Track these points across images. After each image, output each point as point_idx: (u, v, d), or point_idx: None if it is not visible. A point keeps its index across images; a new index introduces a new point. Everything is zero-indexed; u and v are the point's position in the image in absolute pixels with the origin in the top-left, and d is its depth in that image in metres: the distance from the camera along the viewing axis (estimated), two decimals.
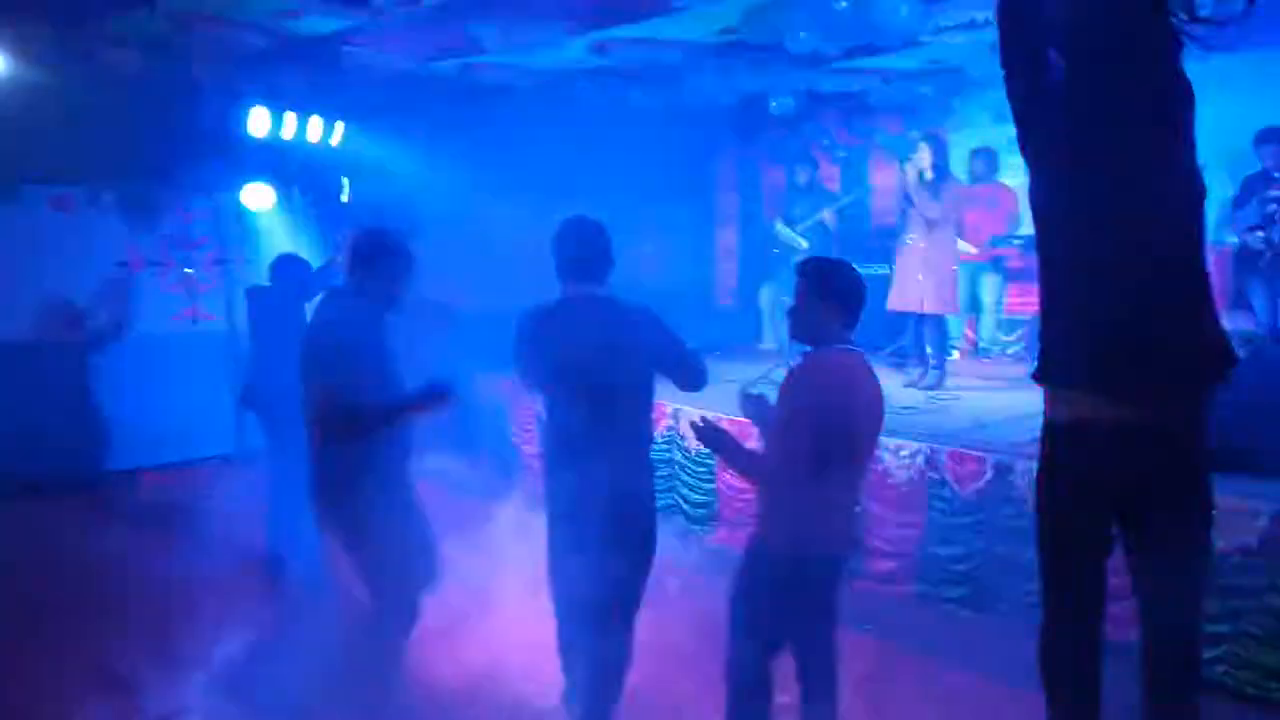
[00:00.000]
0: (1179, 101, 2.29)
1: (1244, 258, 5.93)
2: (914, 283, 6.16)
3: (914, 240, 6.17)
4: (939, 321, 6.33)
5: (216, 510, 5.52)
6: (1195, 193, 2.31)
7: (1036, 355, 2.46)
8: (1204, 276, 2.32)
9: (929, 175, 6.07)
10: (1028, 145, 2.42)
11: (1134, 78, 2.27)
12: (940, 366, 6.34)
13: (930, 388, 6.21)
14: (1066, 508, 2.43)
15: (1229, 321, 5.63)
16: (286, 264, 5.03)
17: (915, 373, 6.46)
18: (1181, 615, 2.40)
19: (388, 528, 3.14)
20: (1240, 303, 6.02)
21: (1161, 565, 2.37)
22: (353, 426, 3.06)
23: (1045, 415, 2.45)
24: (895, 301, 6.31)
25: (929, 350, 6.37)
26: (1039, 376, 2.44)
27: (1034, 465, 4.21)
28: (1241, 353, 5.62)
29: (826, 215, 7.53)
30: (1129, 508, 2.39)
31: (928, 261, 6.11)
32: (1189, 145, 2.30)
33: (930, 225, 6.08)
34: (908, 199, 6.21)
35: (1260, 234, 5.73)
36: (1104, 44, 2.30)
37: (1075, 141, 2.31)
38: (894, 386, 6.05)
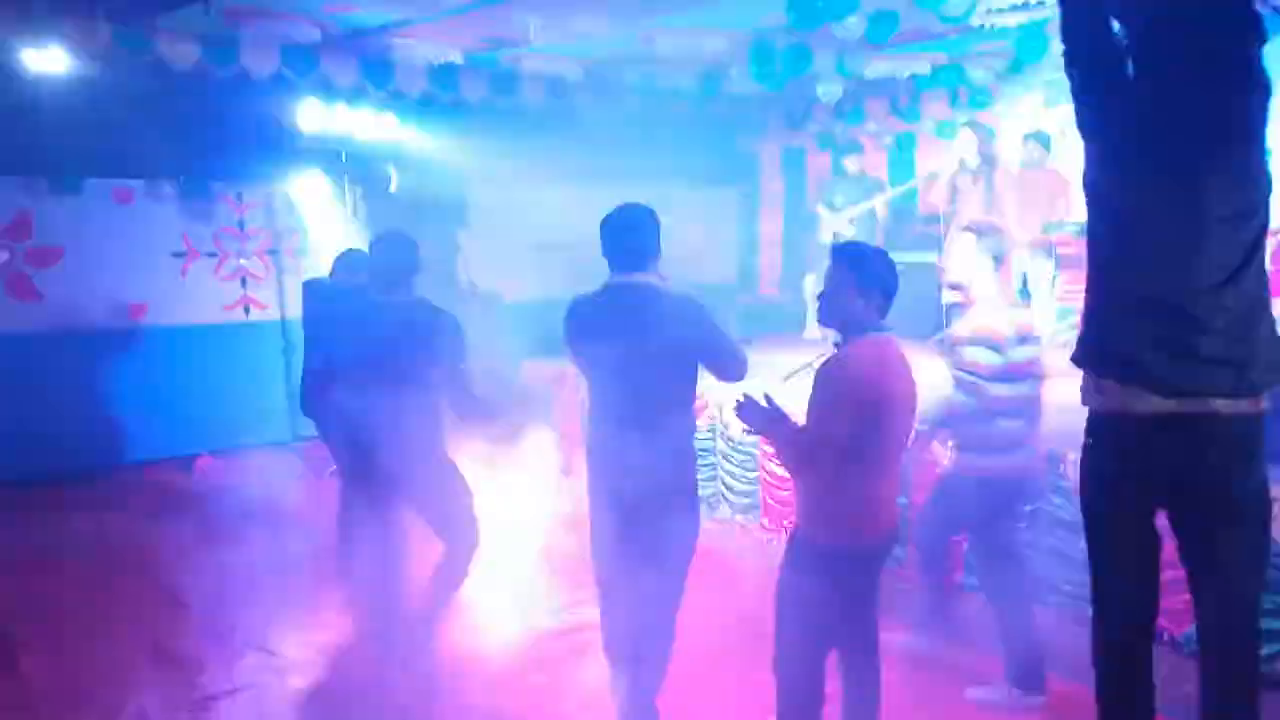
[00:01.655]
0: (1251, 94, 2.22)
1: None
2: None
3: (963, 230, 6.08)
4: None
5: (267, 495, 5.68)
6: (1261, 191, 2.23)
7: (1079, 337, 2.41)
8: (1263, 278, 2.25)
9: (973, 162, 5.96)
10: (1085, 121, 2.36)
11: (1204, 65, 2.19)
12: None
13: None
14: (1106, 501, 2.40)
15: None
16: (350, 259, 5.00)
17: None
18: (1236, 613, 2.34)
19: (456, 481, 3.71)
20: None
21: (1214, 562, 2.32)
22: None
23: (1086, 404, 2.41)
24: (947, 294, 6.23)
25: None
26: (1078, 359, 2.40)
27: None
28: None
29: (878, 203, 7.45)
30: (1175, 503, 2.34)
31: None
32: (1259, 141, 2.23)
33: (980, 215, 5.93)
34: (954, 189, 6.12)
35: None
36: (1173, 25, 2.23)
37: (1135, 125, 2.26)
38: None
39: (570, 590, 4.35)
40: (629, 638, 3.12)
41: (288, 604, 4.07)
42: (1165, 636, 3.88)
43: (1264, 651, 2.82)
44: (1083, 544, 4.06)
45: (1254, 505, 2.31)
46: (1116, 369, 2.29)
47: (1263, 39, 2.22)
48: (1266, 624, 2.82)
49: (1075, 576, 4.17)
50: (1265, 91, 2.23)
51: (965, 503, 3.50)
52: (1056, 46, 6.79)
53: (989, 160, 6.00)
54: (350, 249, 5.24)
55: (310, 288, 5.14)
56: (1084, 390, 2.42)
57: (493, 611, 4.28)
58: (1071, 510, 4.22)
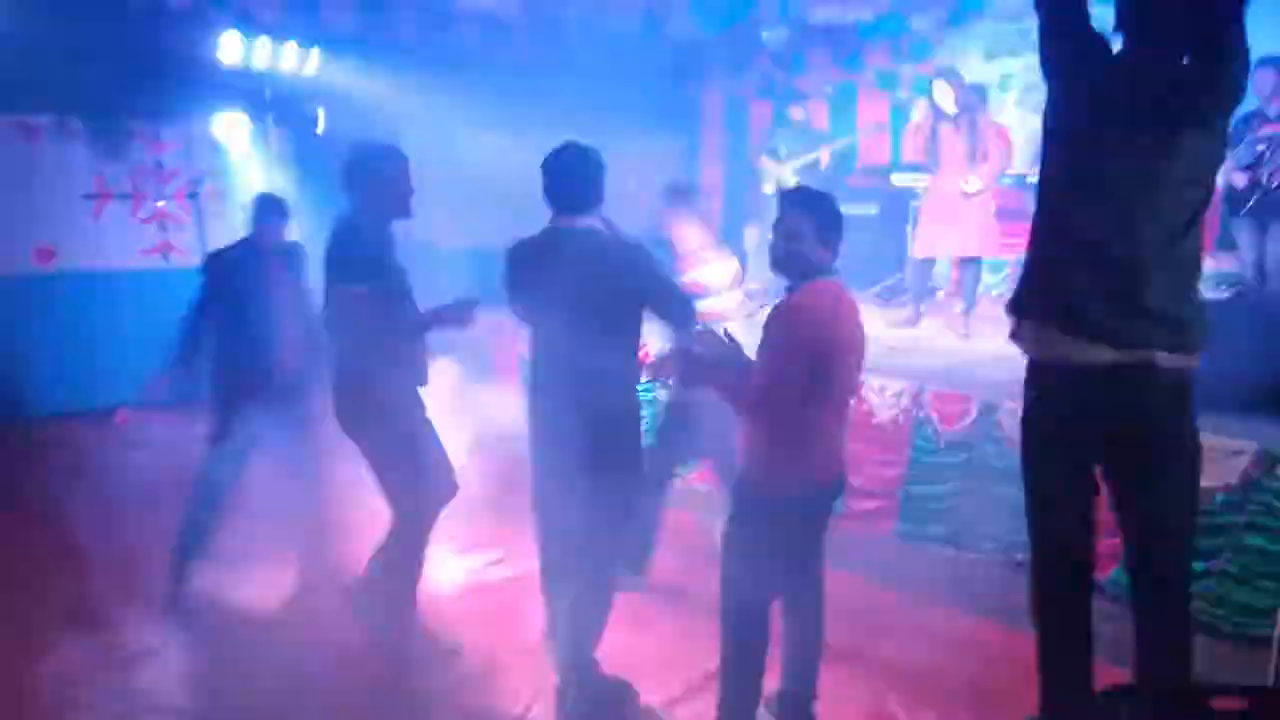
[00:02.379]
0: (1232, 62, 2.23)
1: (1232, 199, 5.88)
2: (952, 226, 5.92)
3: (947, 181, 5.92)
4: (978, 265, 6.18)
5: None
6: (1215, 158, 2.32)
7: (1021, 282, 2.42)
8: (1199, 241, 2.31)
9: (951, 110, 5.87)
10: (1049, 61, 2.35)
11: (1189, 32, 2.22)
12: (970, 310, 6.12)
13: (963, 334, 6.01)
14: (1049, 448, 2.42)
15: (1215, 262, 5.63)
16: (268, 208, 4.09)
17: (905, 313, 6.40)
18: (1171, 554, 2.41)
19: (405, 443, 3.31)
20: (1227, 243, 6.00)
21: (1150, 506, 2.37)
22: (389, 334, 3.17)
23: (1027, 352, 2.42)
24: (926, 247, 6.14)
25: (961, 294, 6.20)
26: (1019, 307, 2.40)
27: (1018, 406, 4.25)
28: (1227, 293, 5.66)
29: (822, 154, 7.40)
30: (1113, 452, 2.37)
31: (969, 202, 5.85)
32: (1226, 112, 2.29)
33: (966, 164, 5.85)
34: (935, 136, 5.96)
35: (1249, 174, 5.68)
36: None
37: (1103, 79, 2.26)
38: (880, 326, 6.02)
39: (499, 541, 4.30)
40: (569, 589, 3.08)
41: (209, 562, 3.92)
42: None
43: None
44: (1016, 491, 4.19)
45: (1188, 448, 2.38)
46: (1062, 318, 2.30)
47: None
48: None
49: (1008, 524, 4.26)
50: (1244, 63, 2.24)
51: None
52: None
53: (970, 107, 5.90)
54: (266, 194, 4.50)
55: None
56: (1022, 339, 2.43)
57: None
58: (1004, 458, 4.29)
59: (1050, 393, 2.37)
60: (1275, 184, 5.63)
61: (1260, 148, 5.66)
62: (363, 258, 3.17)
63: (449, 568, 4.22)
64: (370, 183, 3.24)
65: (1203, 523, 3.50)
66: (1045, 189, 2.39)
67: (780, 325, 2.58)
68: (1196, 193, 2.28)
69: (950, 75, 5.99)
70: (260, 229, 3.97)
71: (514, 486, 3.47)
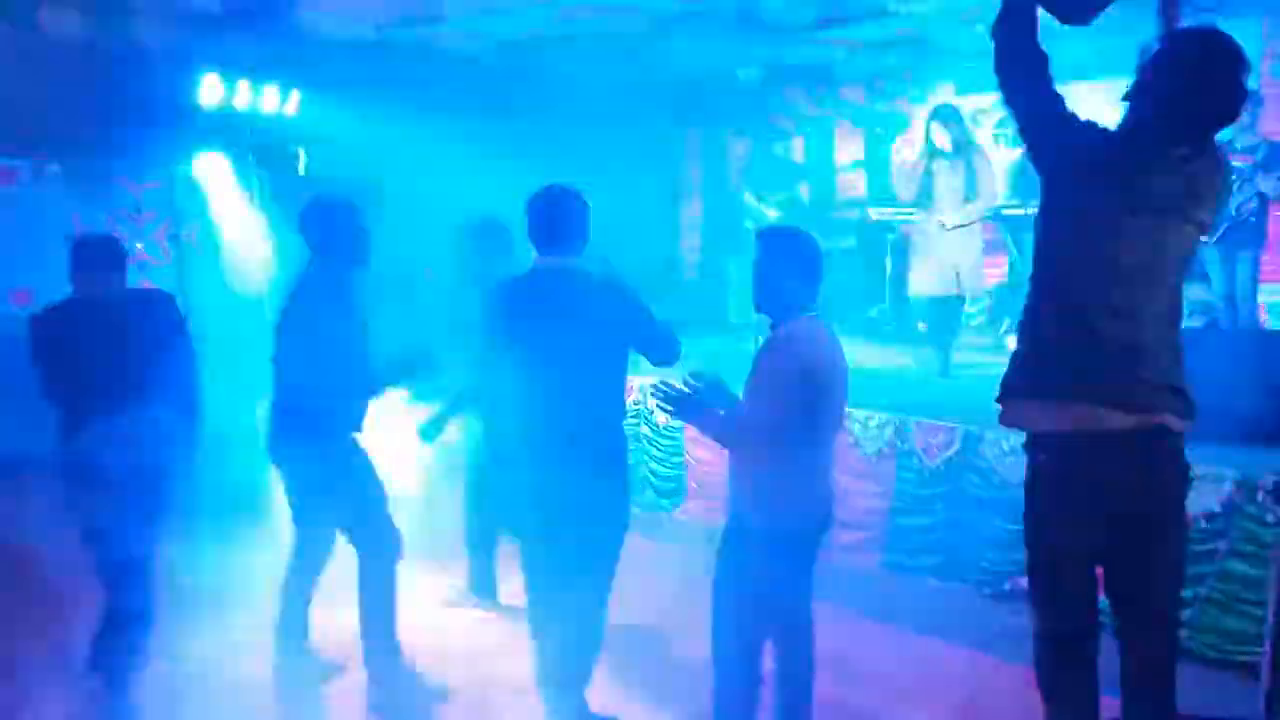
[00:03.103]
0: (1225, 170, 2.35)
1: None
2: (948, 264, 5.82)
3: (942, 218, 5.84)
4: (961, 301, 6.06)
5: None
6: (1198, 252, 2.43)
7: (1021, 364, 2.38)
8: (1180, 332, 2.37)
9: (948, 149, 5.78)
10: (1040, 163, 2.37)
11: (1193, 145, 2.27)
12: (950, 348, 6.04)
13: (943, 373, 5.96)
14: (1063, 516, 2.36)
15: (1188, 293, 5.72)
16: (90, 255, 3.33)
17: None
18: (1163, 630, 2.44)
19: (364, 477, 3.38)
20: (1198, 274, 6.10)
21: (1149, 567, 2.37)
22: (338, 384, 3.18)
23: (1033, 428, 2.38)
24: (924, 285, 5.98)
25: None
26: (1020, 387, 2.37)
27: (1001, 439, 4.29)
28: (1198, 322, 5.74)
29: (801, 189, 7.50)
30: (1122, 521, 2.34)
31: (964, 240, 5.79)
32: (1222, 205, 2.41)
33: (960, 202, 5.78)
34: (928, 176, 5.86)
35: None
36: (1186, 118, 2.28)
37: (1111, 178, 2.27)
38: (863, 357, 6.05)
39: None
40: (559, 628, 3.05)
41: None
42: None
43: None
44: (1000, 521, 4.21)
45: (1185, 511, 2.43)
46: (1077, 389, 2.28)
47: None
48: None
49: (992, 554, 4.28)
50: (1230, 170, 2.38)
51: None
52: (968, 33, 6.93)
53: (963, 146, 5.83)
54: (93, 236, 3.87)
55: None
56: (1024, 416, 2.39)
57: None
58: (989, 489, 4.33)
59: (1064, 461, 2.32)
60: (1242, 215, 5.76)
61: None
62: (314, 308, 3.23)
63: (432, 604, 4.19)
64: (324, 234, 3.28)
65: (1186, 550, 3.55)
66: (1050, 268, 2.37)
67: (767, 363, 2.61)
68: (1189, 265, 2.36)
69: (947, 115, 5.90)
70: (81, 280, 3.27)
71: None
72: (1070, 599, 2.43)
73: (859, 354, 5.67)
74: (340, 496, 3.33)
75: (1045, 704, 2.48)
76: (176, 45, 5.92)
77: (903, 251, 7.36)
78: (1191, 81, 2.22)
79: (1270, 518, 3.51)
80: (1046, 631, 2.46)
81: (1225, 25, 2.29)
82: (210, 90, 6.60)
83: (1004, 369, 2.44)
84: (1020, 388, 2.39)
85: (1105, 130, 2.31)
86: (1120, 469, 2.27)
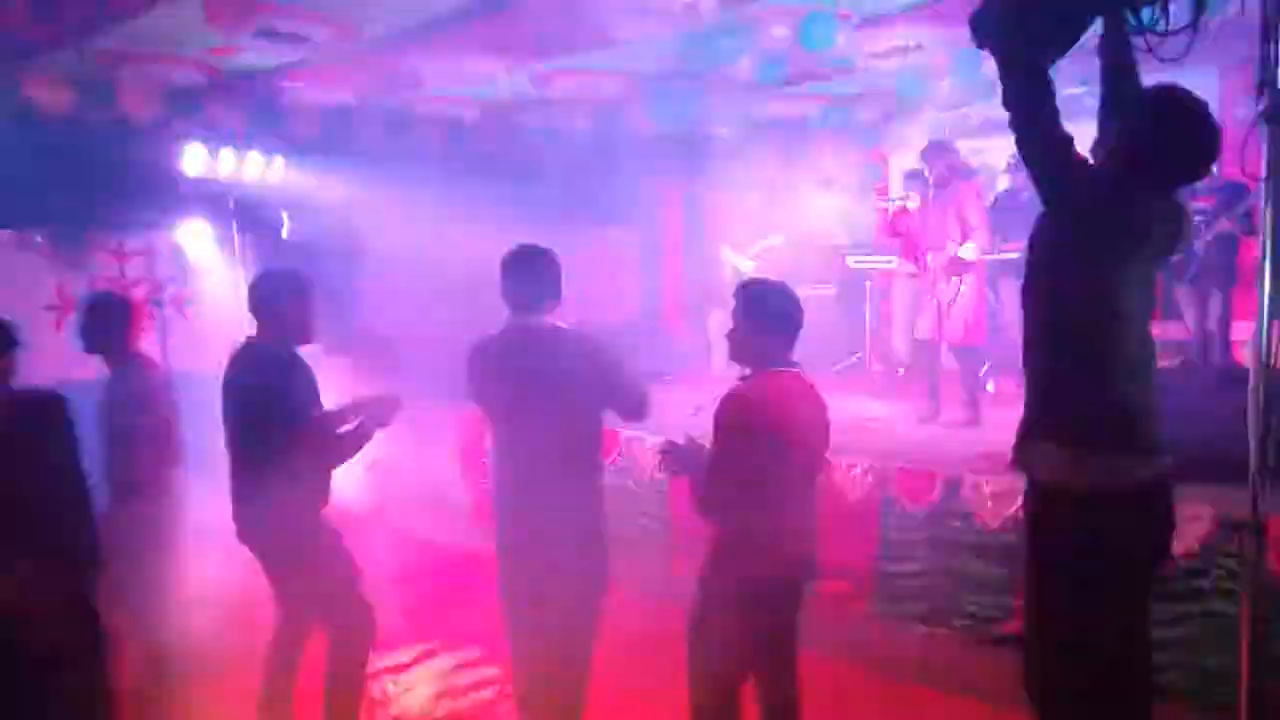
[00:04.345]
0: (1177, 245, 2.47)
1: (1172, 268, 6.12)
2: (936, 311, 5.71)
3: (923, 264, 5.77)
4: (968, 353, 5.78)
5: None
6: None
7: (1062, 417, 2.38)
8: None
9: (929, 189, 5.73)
10: (1060, 203, 2.38)
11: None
12: (974, 401, 5.73)
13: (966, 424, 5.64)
14: (1126, 570, 2.37)
15: (1161, 331, 5.80)
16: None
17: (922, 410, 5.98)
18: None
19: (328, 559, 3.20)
20: (1172, 313, 6.20)
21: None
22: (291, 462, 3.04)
23: (1069, 479, 2.35)
24: (922, 329, 5.82)
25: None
26: (1070, 437, 2.35)
27: (981, 483, 4.31)
28: (1173, 362, 5.81)
29: (779, 240, 7.61)
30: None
31: (948, 286, 5.62)
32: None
33: (946, 243, 5.61)
34: (924, 216, 5.79)
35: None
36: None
37: (1118, 223, 2.34)
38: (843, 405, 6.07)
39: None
40: (541, 688, 3.03)
41: None
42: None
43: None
44: (984, 565, 4.21)
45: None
46: (1117, 439, 2.32)
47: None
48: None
49: (977, 599, 4.27)
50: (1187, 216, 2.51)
51: None
52: (939, 88, 7.08)
53: (945, 180, 5.66)
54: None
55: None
56: (1052, 465, 2.38)
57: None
58: (972, 533, 4.34)
59: (1113, 515, 2.31)
60: (1212, 255, 5.89)
61: (1196, 219, 5.92)
62: (262, 386, 3.11)
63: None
64: (273, 309, 3.21)
65: (1168, 589, 3.56)
66: (1073, 316, 2.37)
67: (725, 415, 2.63)
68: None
69: (933, 151, 5.76)
70: None
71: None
72: (1138, 633, 2.45)
73: (838, 402, 5.70)
74: (304, 580, 3.20)
75: None
76: (159, 116, 6.00)
77: (879, 299, 7.47)
78: (1175, 142, 2.34)
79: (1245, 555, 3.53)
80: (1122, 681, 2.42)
81: (1185, 74, 2.40)
82: (193, 159, 6.69)
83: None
84: (1051, 433, 2.38)
85: (1103, 175, 2.39)
86: (1161, 507, 2.38)
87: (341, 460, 3.22)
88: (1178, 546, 3.54)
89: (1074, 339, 2.37)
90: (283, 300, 3.22)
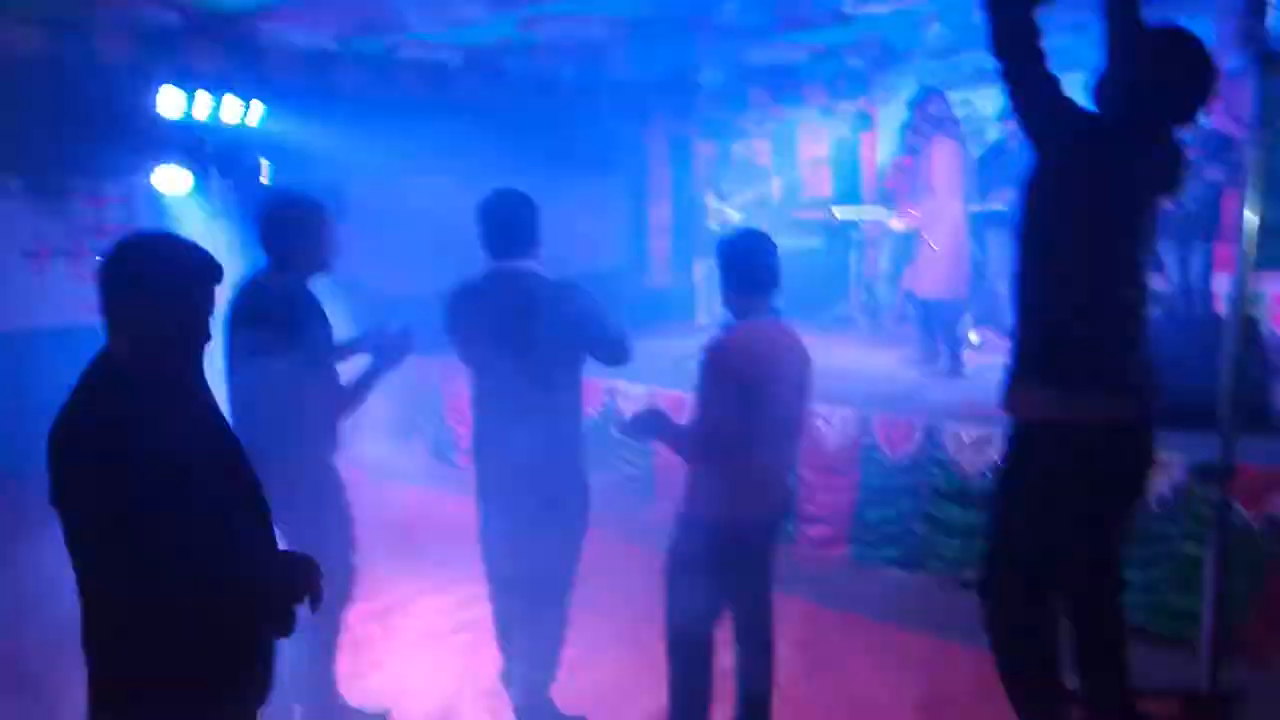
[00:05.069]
0: (1175, 188, 2.48)
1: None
2: (913, 263, 5.84)
3: (903, 216, 5.89)
4: (937, 306, 5.87)
5: None
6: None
7: (1049, 355, 2.41)
8: None
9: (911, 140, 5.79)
10: (1044, 140, 2.38)
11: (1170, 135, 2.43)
12: (952, 353, 5.80)
13: (948, 373, 5.74)
14: (1091, 504, 2.44)
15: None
16: None
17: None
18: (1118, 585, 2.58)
19: (315, 527, 2.94)
20: (1155, 265, 6.22)
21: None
22: (303, 404, 2.87)
23: (1054, 417, 2.39)
24: (906, 279, 6.01)
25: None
26: (1053, 375, 2.39)
27: (961, 432, 4.36)
28: (1155, 312, 5.86)
29: (765, 189, 7.57)
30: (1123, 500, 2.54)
31: (922, 239, 5.75)
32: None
33: (922, 197, 5.71)
34: (918, 166, 5.87)
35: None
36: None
37: (1111, 165, 2.35)
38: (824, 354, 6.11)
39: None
40: (522, 629, 3.09)
41: None
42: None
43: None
44: (962, 512, 4.29)
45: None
46: (1102, 378, 2.36)
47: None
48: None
49: (953, 545, 4.35)
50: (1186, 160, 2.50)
51: None
52: (928, 35, 7.02)
53: (925, 135, 5.72)
54: None
55: None
56: (1040, 404, 2.41)
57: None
58: (951, 481, 4.40)
59: (1089, 453, 2.37)
60: (1196, 206, 5.89)
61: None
62: (274, 321, 2.85)
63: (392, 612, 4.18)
64: (285, 236, 2.96)
65: (1138, 532, 3.63)
66: (1063, 258, 2.39)
67: (701, 364, 2.67)
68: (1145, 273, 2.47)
69: (922, 99, 5.80)
70: None
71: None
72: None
73: (824, 351, 5.73)
74: (294, 527, 2.89)
75: (1025, 694, 2.53)
76: (134, 58, 5.87)
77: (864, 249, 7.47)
78: (1171, 76, 2.33)
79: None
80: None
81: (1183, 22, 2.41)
82: (169, 102, 6.56)
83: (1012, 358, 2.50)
84: (1050, 370, 2.41)
85: (1096, 117, 2.38)
86: (1135, 450, 2.44)
87: (352, 407, 3.03)
88: (1151, 490, 3.62)
89: (1064, 280, 2.39)
90: (292, 230, 2.97)
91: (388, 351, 3.02)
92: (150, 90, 6.45)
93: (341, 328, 3.22)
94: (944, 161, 5.70)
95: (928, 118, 5.75)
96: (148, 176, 7.03)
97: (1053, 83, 2.30)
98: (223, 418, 1.99)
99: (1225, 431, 2.91)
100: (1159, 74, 2.32)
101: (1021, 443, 2.47)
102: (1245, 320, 2.92)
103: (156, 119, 6.54)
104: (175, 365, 1.88)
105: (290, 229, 2.98)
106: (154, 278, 1.91)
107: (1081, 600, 2.61)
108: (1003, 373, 2.52)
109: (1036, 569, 2.46)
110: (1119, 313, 2.38)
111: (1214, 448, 3.00)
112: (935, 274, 5.73)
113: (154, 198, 7.20)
